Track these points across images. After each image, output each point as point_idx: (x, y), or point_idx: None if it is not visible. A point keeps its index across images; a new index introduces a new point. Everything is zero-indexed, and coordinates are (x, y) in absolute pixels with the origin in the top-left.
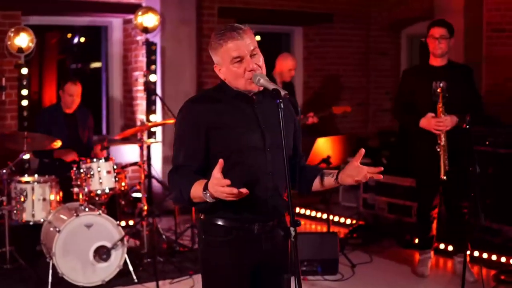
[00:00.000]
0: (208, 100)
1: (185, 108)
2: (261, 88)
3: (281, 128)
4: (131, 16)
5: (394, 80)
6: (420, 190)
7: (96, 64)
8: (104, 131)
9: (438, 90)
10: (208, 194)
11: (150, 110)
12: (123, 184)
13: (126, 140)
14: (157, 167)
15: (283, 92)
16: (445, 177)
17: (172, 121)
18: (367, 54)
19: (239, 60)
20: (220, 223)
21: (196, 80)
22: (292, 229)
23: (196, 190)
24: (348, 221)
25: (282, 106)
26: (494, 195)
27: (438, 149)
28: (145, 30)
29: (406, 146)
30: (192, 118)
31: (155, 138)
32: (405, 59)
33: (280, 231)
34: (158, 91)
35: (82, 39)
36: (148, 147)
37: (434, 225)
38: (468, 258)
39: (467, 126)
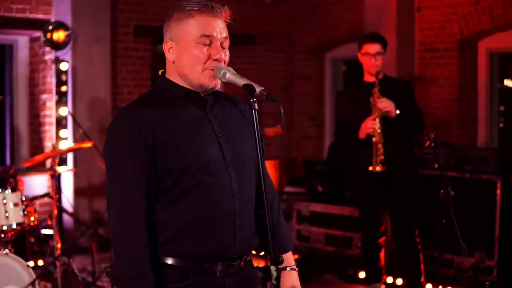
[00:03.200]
0: (150, 104)
1: (122, 118)
2: (217, 87)
3: (255, 135)
4: (38, 33)
5: (319, 106)
6: (364, 215)
7: None
8: (8, 162)
9: (379, 76)
10: None
11: (60, 136)
12: (32, 218)
13: (36, 169)
14: (68, 199)
15: (258, 89)
16: (378, 168)
17: (88, 144)
18: (290, 79)
19: (208, 42)
20: (171, 262)
21: (110, 103)
22: (273, 268)
23: None
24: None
25: (256, 107)
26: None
27: (374, 138)
28: (55, 46)
29: (336, 174)
30: (132, 131)
31: (66, 166)
32: (329, 83)
33: (258, 272)
34: (69, 115)
35: None
36: (59, 177)
37: (382, 254)
38: None
39: (432, 144)
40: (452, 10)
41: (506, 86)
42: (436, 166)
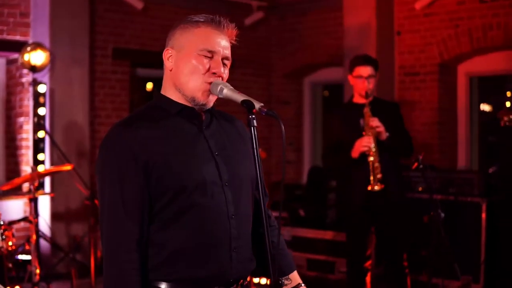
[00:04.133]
0: (144, 122)
1: (114, 136)
2: (209, 105)
3: (254, 153)
4: (15, 55)
5: (298, 130)
6: (351, 239)
7: None
8: None
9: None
10: None
11: (37, 159)
12: (10, 243)
13: (13, 192)
14: (45, 223)
15: (257, 105)
16: (376, 187)
17: (68, 167)
18: (269, 103)
19: (210, 55)
20: (164, 287)
21: (88, 126)
22: None
23: None
24: (263, 281)
25: (255, 124)
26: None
27: (370, 157)
28: (33, 68)
29: (316, 198)
30: (124, 151)
31: (43, 190)
32: (308, 107)
33: None
34: (46, 138)
35: None
36: (36, 201)
37: (368, 279)
38: None
39: (420, 166)
40: (432, 33)
41: (483, 110)
42: (420, 189)
